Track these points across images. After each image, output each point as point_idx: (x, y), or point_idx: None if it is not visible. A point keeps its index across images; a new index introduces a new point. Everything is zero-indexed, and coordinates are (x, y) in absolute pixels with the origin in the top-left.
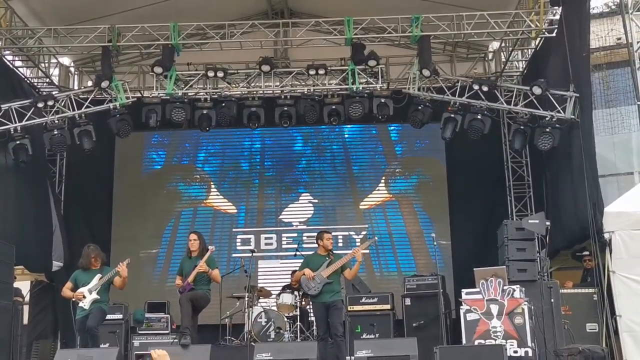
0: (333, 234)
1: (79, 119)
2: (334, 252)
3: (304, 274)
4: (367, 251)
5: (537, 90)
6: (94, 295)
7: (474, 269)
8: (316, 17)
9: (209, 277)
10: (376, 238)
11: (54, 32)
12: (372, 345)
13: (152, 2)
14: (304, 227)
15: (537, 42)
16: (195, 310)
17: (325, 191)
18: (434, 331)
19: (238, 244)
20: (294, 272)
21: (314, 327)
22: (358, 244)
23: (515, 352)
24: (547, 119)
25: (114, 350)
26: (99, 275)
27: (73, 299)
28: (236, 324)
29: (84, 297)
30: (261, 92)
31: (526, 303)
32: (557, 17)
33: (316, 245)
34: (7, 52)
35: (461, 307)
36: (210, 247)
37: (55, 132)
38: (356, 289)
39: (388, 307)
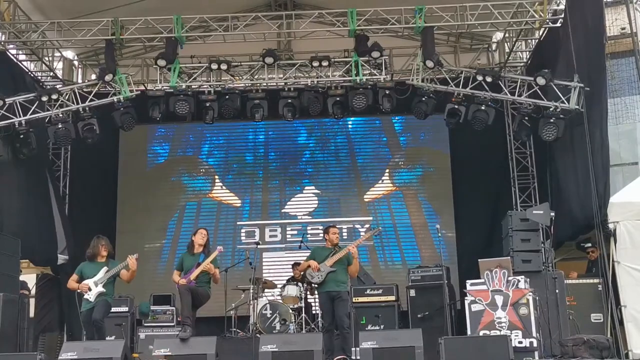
0: (337, 226)
1: (83, 113)
2: (340, 244)
3: (309, 266)
4: (372, 242)
5: (541, 81)
6: (100, 288)
7: (479, 259)
8: (319, 9)
9: (212, 276)
10: (380, 228)
11: (57, 26)
12: (377, 337)
13: None
14: (309, 219)
15: (541, 32)
16: (194, 305)
17: (329, 183)
18: (439, 322)
19: (243, 236)
20: (295, 264)
21: (319, 319)
22: (362, 235)
23: (520, 342)
24: (551, 109)
25: (119, 343)
26: (105, 268)
27: (78, 291)
28: (241, 316)
29: (90, 289)
30: (265, 84)
31: (531, 294)
32: (561, 7)
33: (321, 237)
34: (11, 45)
35: (466, 298)
36: (218, 247)
37: (60, 126)
38: (361, 281)
39: (393, 298)
